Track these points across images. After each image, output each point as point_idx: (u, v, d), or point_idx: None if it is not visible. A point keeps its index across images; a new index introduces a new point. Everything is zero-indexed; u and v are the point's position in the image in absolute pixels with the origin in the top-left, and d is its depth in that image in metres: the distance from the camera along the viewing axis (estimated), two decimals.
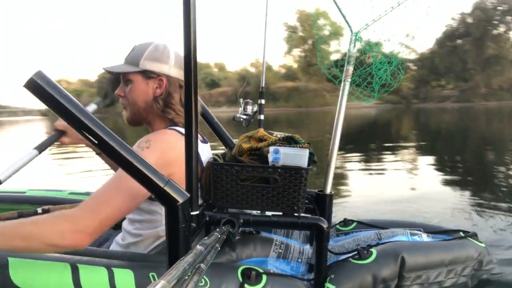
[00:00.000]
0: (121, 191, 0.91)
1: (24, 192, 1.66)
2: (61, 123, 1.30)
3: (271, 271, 1.03)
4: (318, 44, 1.26)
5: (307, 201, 1.14)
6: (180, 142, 1.01)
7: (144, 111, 1.13)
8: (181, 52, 1.13)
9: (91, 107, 1.39)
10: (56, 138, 1.30)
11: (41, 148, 1.25)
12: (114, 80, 1.31)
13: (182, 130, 1.07)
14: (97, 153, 1.45)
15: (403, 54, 1.22)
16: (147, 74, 1.11)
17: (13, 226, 0.89)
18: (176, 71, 1.12)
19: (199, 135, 1.18)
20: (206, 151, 1.18)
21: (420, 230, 1.34)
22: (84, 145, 1.41)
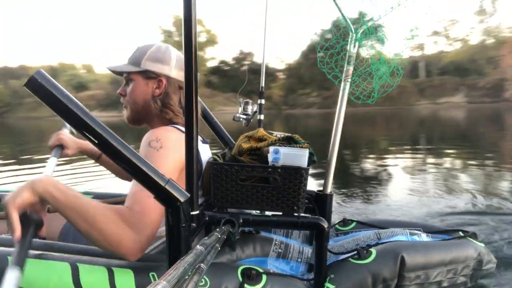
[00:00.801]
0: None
1: None
2: (55, 139, 1.38)
3: (271, 271, 1.03)
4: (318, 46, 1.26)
5: (306, 200, 1.14)
6: (182, 139, 1.02)
7: (144, 110, 1.15)
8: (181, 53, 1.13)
9: None
10: (59, 154, 1.39)
11: (56, 156, 1.38)
12: None
13: (183, 128, 1.07)
14: (95, 160, 1.49)
15: (403, 53, 1.22)
16: (147, 74, 1.12)
17: (85, 206, 0.85)
18: (176, 73, 1.13)
19: (199, 136, 1.19)
20: (206, 152, 1.19)
21: (420, 230, 1.34)
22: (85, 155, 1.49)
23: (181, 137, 1.01)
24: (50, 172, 1.29)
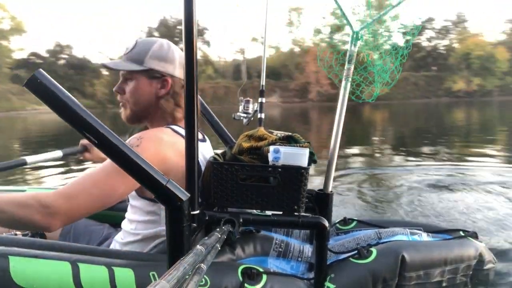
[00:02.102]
0: (99, 187, 0.91)
1: (24, 191, 1.67)
2: (86, 141, 1.46)
3: (271, 270, 1.03)
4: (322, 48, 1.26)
5: (307, 200, 1.14)
6: (174, 140, 1.01)
7: (146, 110, 1.11)
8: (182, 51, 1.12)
9: None
10: (79, 151, 1.52)
11: (65, 152, 1.50)
12: None
13: (178, 129, 1.06)
14: None
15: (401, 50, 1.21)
16: (152, 74, 1.08)
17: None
18: (179, 72, 1.11)
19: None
20: (204, 150, 1.17)
21: (420, 229, 1.34)
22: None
23: (172, 138, 1.02)
24: (45, 158, 1.46)
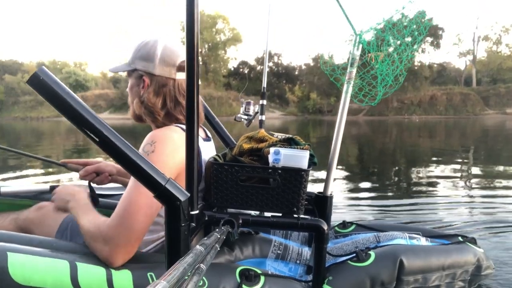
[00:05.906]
0: (141, 206, 0.92)
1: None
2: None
3: (269, 272, 1.03)
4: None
5: (306, 202, 1.14)
6: (184, 140, 1.01)
7: (139, 111, 1.12)
8: (174, 45, 1.09)
9: None
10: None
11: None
12: None
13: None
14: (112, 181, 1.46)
15: (407, 54, 1.21)
16: (137, 74, 1.08)
17: (85, 214, 1.02)
18: (161, 69, 1.05)
19: (202, 132, 1.18)
20: (208, 150, 1.17)
21: (419, 234, 1.34)
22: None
23: (182, 138, 1.01)
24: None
